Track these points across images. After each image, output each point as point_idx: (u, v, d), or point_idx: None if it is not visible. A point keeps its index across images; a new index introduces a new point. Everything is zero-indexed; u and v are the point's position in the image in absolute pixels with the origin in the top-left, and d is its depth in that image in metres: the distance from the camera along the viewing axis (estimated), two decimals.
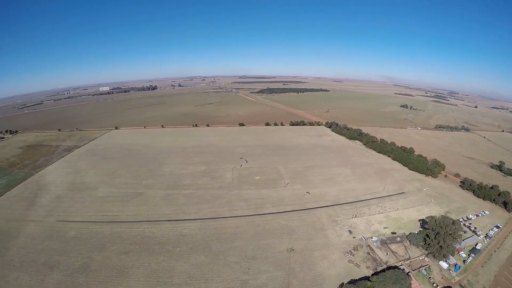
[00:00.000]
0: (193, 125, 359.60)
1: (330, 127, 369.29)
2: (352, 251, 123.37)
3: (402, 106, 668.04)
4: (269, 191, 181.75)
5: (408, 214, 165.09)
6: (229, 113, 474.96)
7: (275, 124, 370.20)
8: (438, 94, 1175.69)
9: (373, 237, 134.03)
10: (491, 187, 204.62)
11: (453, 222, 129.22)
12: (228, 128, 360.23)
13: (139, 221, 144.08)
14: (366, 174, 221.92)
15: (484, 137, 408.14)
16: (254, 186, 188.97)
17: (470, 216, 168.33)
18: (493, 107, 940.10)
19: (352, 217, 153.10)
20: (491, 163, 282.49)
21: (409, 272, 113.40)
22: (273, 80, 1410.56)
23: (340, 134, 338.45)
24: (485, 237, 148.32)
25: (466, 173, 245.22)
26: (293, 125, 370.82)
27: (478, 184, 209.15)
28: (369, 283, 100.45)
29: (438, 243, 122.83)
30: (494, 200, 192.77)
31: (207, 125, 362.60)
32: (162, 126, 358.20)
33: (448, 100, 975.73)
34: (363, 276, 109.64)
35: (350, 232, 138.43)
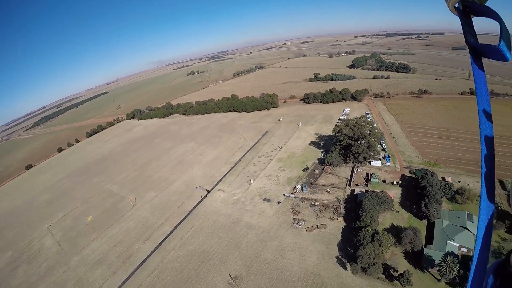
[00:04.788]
0: None
1: (133, 117, 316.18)
2: (297, 218, 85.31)
3: (189, 74, 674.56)
4: (120, 224, 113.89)
5: (295, 146, 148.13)
6: None
7: (70, 145, 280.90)
8: (212, 57, 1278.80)
9: (297, 186, 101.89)
10: (330, 91, 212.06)
11: (363, 119, 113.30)
12: None
13: None
14: (212, 137, 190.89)
15: (280, 67, 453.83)
16: (96, 233, 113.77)
17: (341, 117, 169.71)
18: (264, 49, 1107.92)
19: (251, 183, 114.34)
20: (306, 78, 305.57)
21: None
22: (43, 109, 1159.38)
23: (150, 118, 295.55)
24: None
25: (296, 92, 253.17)
26: (91, 135, 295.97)
27: (319, 93, 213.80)
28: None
29: (367, 146, 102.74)
30: (343, 98, 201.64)
31: None
32: None
33: (224, 57, 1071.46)
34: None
35: (268, 200, 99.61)
